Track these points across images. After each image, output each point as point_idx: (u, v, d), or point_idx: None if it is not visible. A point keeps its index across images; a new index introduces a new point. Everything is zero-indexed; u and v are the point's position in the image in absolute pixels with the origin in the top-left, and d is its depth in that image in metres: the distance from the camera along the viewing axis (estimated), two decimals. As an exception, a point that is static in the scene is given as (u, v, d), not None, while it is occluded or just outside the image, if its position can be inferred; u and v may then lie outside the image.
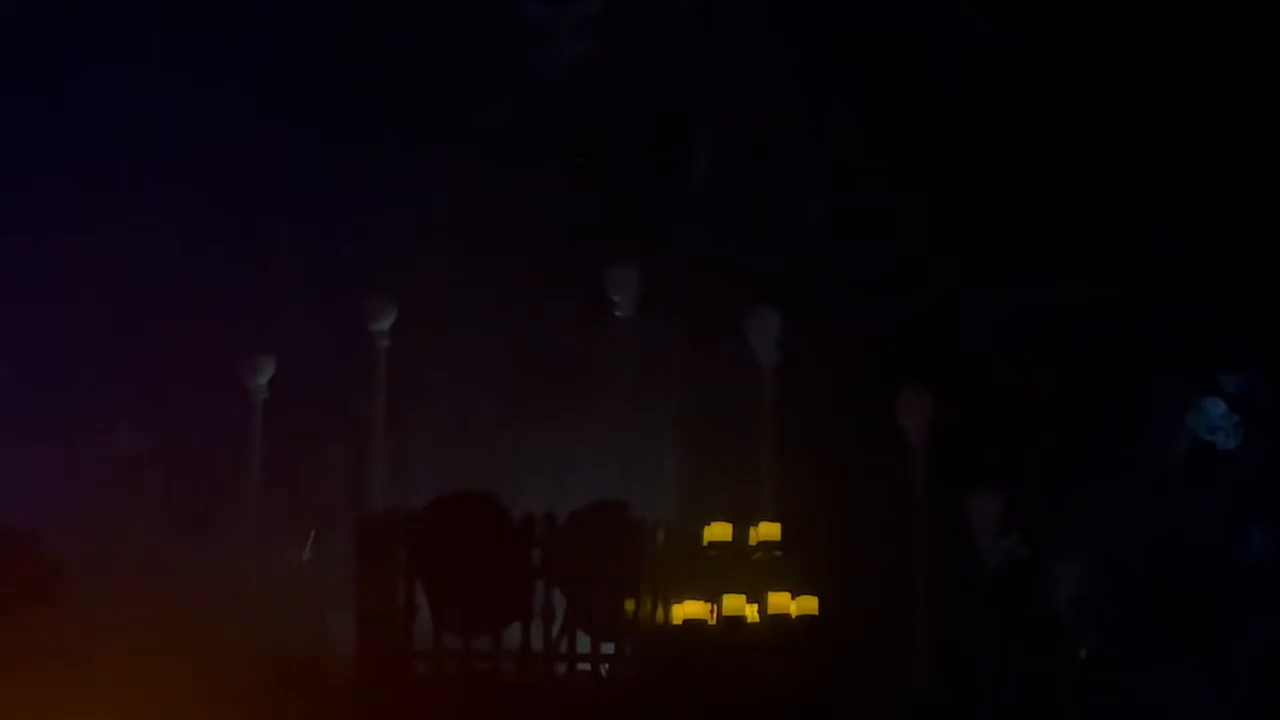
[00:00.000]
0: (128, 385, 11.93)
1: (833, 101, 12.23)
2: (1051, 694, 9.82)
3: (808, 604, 11.12)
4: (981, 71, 11.66)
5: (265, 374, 12.34)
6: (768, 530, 11.41)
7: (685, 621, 11.11)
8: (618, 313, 12.57)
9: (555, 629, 11.43)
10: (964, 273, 11.82)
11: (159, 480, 11.94)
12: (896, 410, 11.90)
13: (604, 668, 11.46)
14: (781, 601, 11.12)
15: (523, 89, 12.68)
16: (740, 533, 11.42)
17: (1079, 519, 10.05)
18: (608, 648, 11.53)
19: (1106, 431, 11.13)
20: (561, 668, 11.47)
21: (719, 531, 11.37)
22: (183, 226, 12.24)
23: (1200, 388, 7.57)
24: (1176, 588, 6.94)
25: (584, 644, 11.56)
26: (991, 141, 11.76)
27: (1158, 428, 10.73)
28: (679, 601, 11.21)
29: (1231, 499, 9.75)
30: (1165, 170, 11.11)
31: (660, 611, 11.37)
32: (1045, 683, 9.94)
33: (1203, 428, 7.06)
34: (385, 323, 12.53)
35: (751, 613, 11.16)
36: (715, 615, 11.15)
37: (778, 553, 11.35)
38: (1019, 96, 11.61)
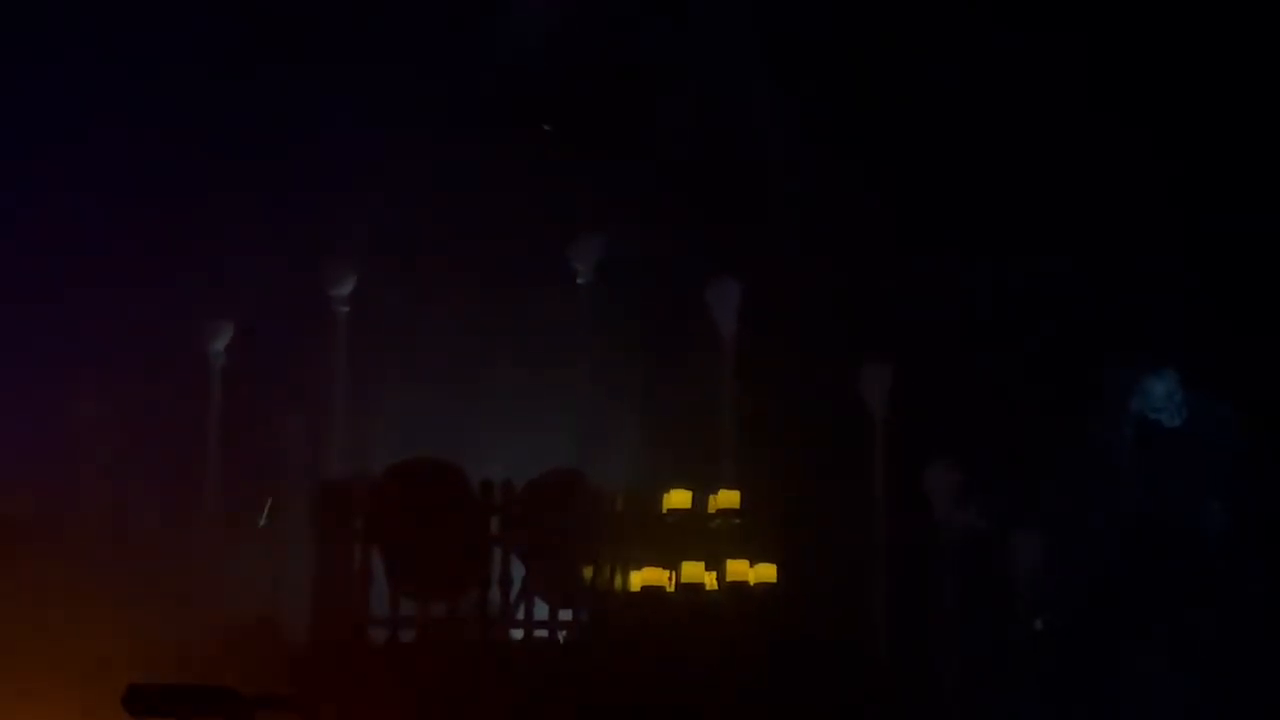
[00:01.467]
0: (85, 350, 11.83)
1: (799, 74, 12.19)
2: (1006, 663, 9.83)
3: (766, 571, 11.12)
4: (950, 48, 11.63)
5: (223, 339, 12.28)
6: (727, 498, 11.41)
7: (644, 588, 11.10)
8: (579, 280, 12.54)
9: (513, 595, 11.41)
10: (927, 247, 11.81)
11: (115, 446, 11.86)
12: (857, 381, 11.92)
13: (562, 634, 11.45)
14: (740, 569, 11.12)
15: (489, 57, 12.60)
16: (699, 500, 11.42)
17: (1037, 492, 10.06)
18: (566, 614, 11.52)
19: (1066, 406, 11.14)
20: (519, 634, 11.45)
21: (678, 499, 11.36)
22: (143, 190, 12.13)
23: (1144, 368, 7.57)
24: (1131, 559, 6.94)
25: (542, 610, 11.55)
26: (958, 118, 11.74)
27: (1114, 405, 10.76)
28: (638, 568, 11.20)
29: (1187, 473, 9.77)
30: (1131, 151, 11.11)
31: (619, 578, 11.36)
32: (1001, 652, 9.95)
33: (1147, 407, 7.05)
34: (345, 289, 12.47)
35: (710, 580, 11.16)
36: (674, 582, 11.14)
37: (737, 520, 11.35)
38: (986, 74, 11.59)
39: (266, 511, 11.59)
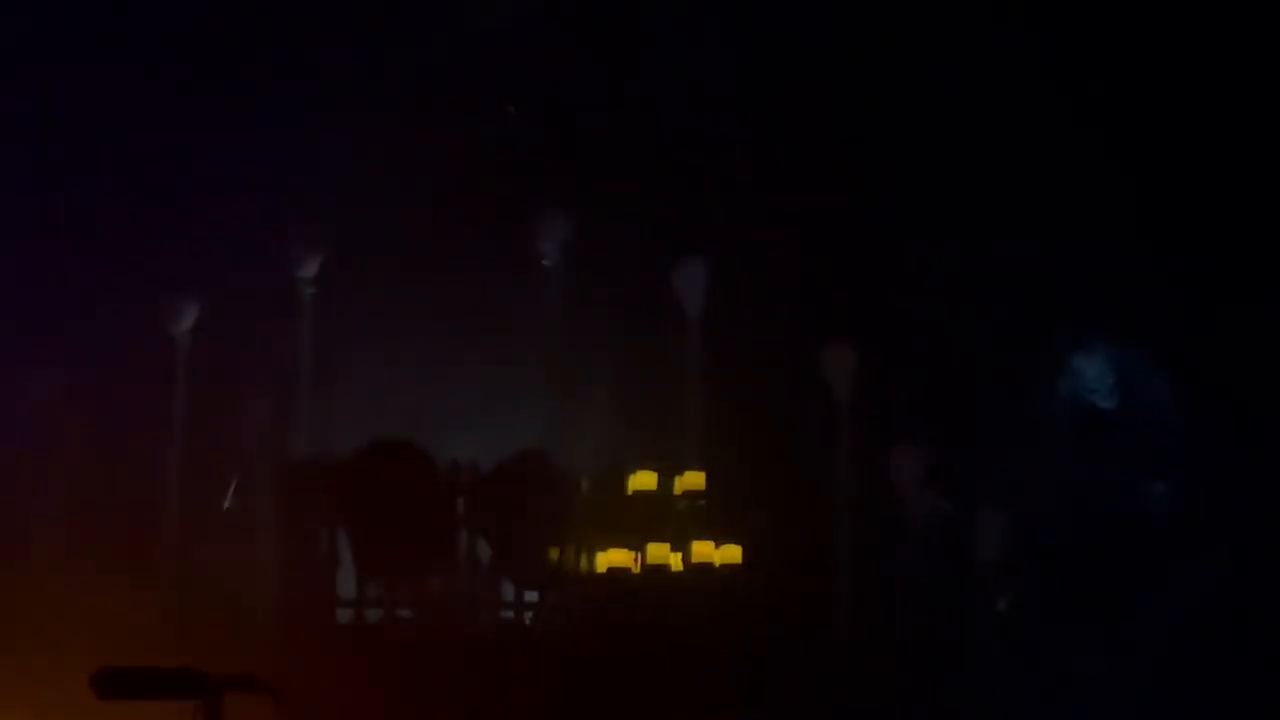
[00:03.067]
0: (48, 330, 11.78)
1: (767, 54, 12.20)
2: (969, 646, 9.90)
3: (731, 553, 11.16)
4: (919, 31, 11.64)
5: (188, 320, 12.25)
6: (692, 479, 11.45)
7: (610, 570, 11.14)
8: (545, 262, 12.54)
9: (479, 577, 11.43)
10: (892, 228, 11.83)
11: (79, 427, 11.82)
12: (822, 363, 11.95)
13: (528, 616, 11.48)
14: (705, 550, 11.16)
15: (452, 36, 12.57)
16: (665, 482, 11.46)
17: (1000, 474, 10.11)
18: (532, 596, 11.55)
19: (1031, 389, 11.20)
20: (485, 615, 11.48)
21: (644, 480, 11.40)
22: (106, 172, 12.07)
23: (1094, 350, 7.58)
24: (1087, 541, 6.97)
25: (508, 592, 11.58)
26: (923, 96, 11.75)
27: (1065, 385, 10.81)
28: (603, 550, 11.23)
29: (1137, 454, 9.80)
30: (1096, 131, 11.15)
31: (585, 560, 11.39)
32: (964, 634, 10.01)
33: (1081, 389, 7.05)
34: (310, 270, 12.45)
35: (675, 561, 11.20)
36: (639, 564, 11.19)
37: (702, 502, 11.40)
38: (955, 58, 11.62)
39: (231, 493, 11.57)
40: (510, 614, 11.50)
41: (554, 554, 11.43)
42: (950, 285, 11.74)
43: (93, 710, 6.08)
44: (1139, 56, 10.93)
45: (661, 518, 11.35)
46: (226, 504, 11.63)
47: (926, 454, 11.37)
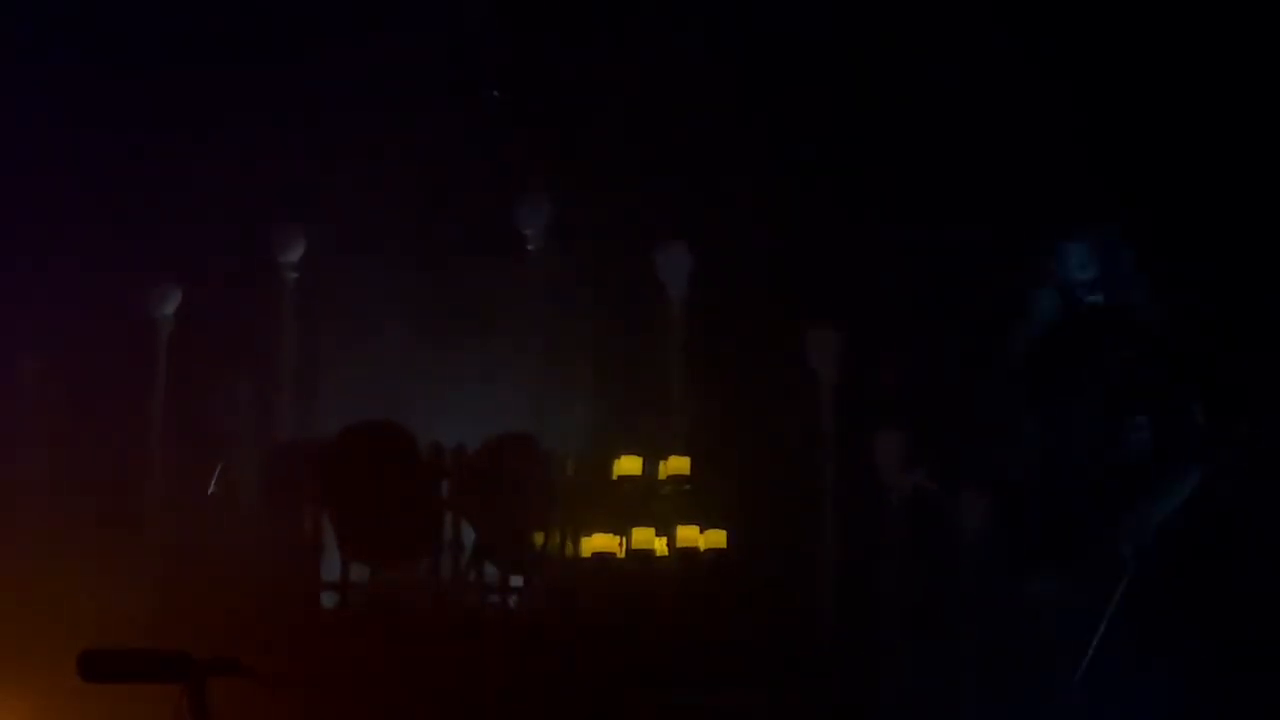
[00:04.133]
0: (30, 315, 11.75)
1: (750, 39, 12.19)
2: (955, 625, 9.89)
3: (716, 538, 11.16)
4: (902, 13, 11.62)
5: (171, 304, 12.23)
6: (677, 464, 11.45)
7: (594, 554, 11.13)
8: (529, 246, 12.53)
9: (464, 561, 11.42)
10: (875, 210, 11.83)
11: (61, 411, 11.79)
12: (806, 345, 11.96)
13: (512, 600, 11.48)
14: (690, 535, 11.16)
15: (435, 21, 12.55)
16: (650, 466, 11.45)
17: (982, 453, 10.09)
18: (516, 580, 11.55)
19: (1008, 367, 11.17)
20: (469, 599, 11.47)
21: (629, 465, 11.39)
22: (88, 155, 12.04)
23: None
24: (1062, 503, 6.90)
25: (492, 576, 11.57)
26: (902, 77, 11.73)
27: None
28: (588, 535, 11.23)
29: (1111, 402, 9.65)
30: (1070, 118, 11.14)
31: (569, 544, 11.39)
32: (943, 613, 10.01)
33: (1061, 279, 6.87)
34: (294, 254, 12.43)
35: (660, 546, 11.20)
36: (624, 548, 11.18)
37: (687, 487, 11.40)
38: (933, 44, 11.60)
39: (216, 478, 11.55)
40: (495, 597, 11.49)
41: (538, 538, 11.41)
42: (933, 268, 11.74)
43: (79, 693, 6.08)
44: (1107, 47, 10.93)
45: (646, 502, 11.35)
46: (211, 489, 11.61)
47: (912, 435, 11.36)
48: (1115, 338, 6.86)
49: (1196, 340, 6.86)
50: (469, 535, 11.49)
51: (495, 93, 12.87)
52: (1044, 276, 7.26)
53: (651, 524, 11.20)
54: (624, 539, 11.17)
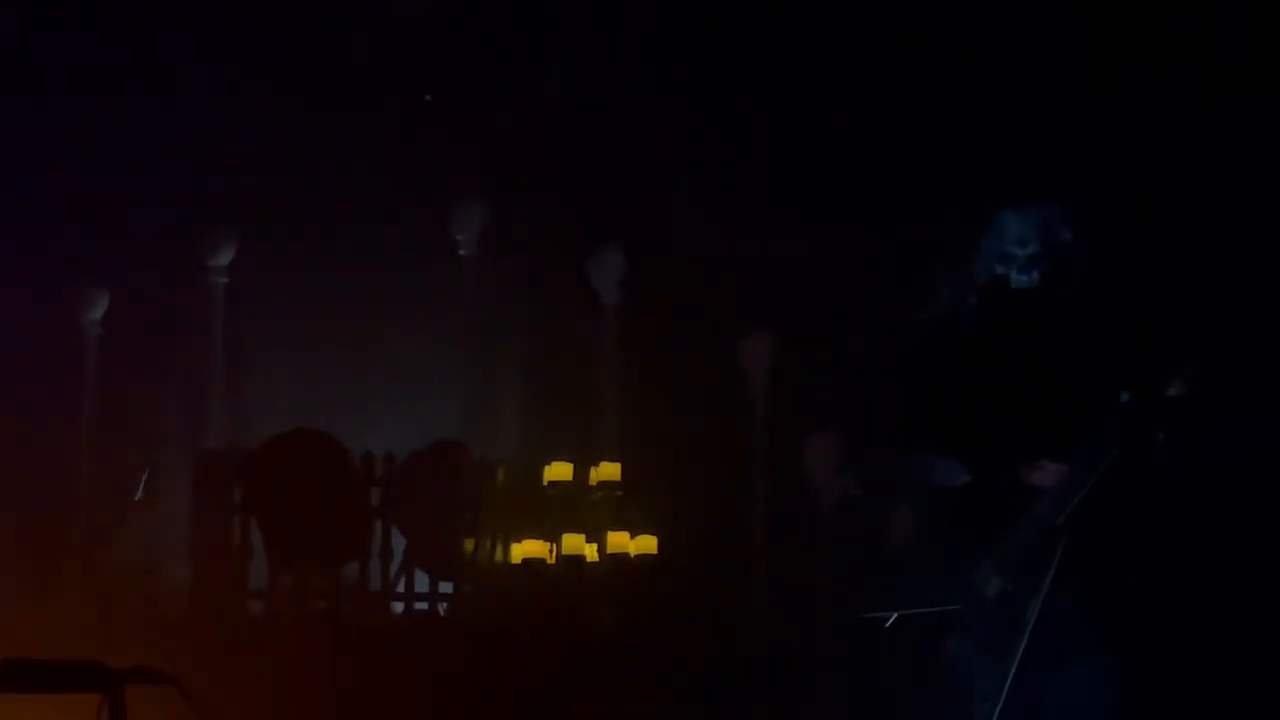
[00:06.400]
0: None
1: (683, 46, 12.18)
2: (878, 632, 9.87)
3: (646, 544, 11.16)
4: (838, 12, 11.61)
5: (99, 309, 12.13)
6: (608, 470, 11.43)
7: (524, 561, 11.11)
8: (461, 251, 12.49)
9: (394, 568, 11.38)
10: (810, 218, 11.83)
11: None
12: (738, 351, 11.97)
13: (442, 607, 11.45)
14: (621, 541, 11.15)
15: (367, 23, 12.49)
16: (580, 472, 11.43)
17: (908, 459, 10.07)
18: (446, 587, 11.52)
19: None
20: (399, 607, 11.44)
21: (559, 471, 11.37)
22: (11, 159, 11.91)
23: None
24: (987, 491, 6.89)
25: (423, 583, 11.53)
26: (843, 90, 11.73)
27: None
28: (518, 541, 11.20)
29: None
30: (1013, 119, 11.15)
31: (500, 551, 11.36)
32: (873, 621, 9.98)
33: (995, 253, 6.74)
34: (223, 259, 12.35)
35: (591, 552, 11.18)
36: (554, 554, 11.16)
37: (618, 493, 11.38)
38: (866, 51, 11.60)
39: (143, 483, 11.46)
40: (424, 604, 11.45)
41: (469, 545, 11.39)
42: (869, 272, 11.75)
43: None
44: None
45: (577, 508, 11.33)
46: (138, 495, 11.52)
47: (841, 441, 11.38)
48: (1045, 320, 6.78)
49: (1131, 321, 6.80)
50: (399, 542, 11.45)
51: (428, 96, 12.83)
52: (962, 256, 7.14)
53: (582, 530, 11.18)
54: (554, 545, 11.15)
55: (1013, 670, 6.42)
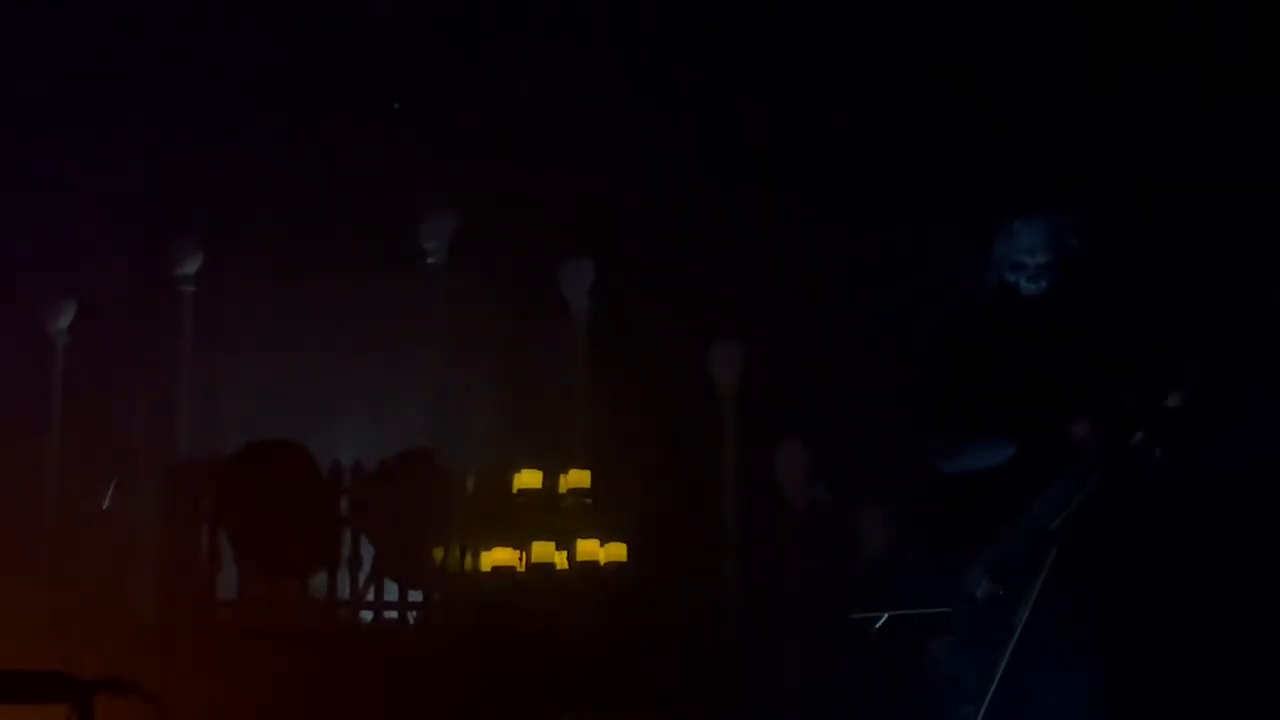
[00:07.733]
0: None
1: (654, 52, 12.18)
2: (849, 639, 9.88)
3: (616, 551, 11.16)
4: (812, 15, 11.60)
5: (66, 318, 12.07)
6: (578, 478, 11.43)
7: (494, 569, 11.10)
8: (430, 259, 12.45)
9: (363, 577, 11.36)
10: (778, 221, 11.83)
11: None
12: (708, 360, 11.96)
13: (412, 615, 11.42)
14: (590, 548, 11.15)
15: (334, 32, 12.47)
16: (550, 480, 11.42)
17: (878, 466, 10.10)
18: (416, 595, 11.50)
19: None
20: (368, 615, 11.42)
21: (529, 479, 11.37)
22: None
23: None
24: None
25: (392, 592, 11.51)
26: (817, 85, 11.70)
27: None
28: (488, 549, 11.19)
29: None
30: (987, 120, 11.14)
31: (469, 559, 11.35)
32: (845, 628, 9.99)
33: (1006, 260, 6.70)
34: (192, 267, 12.30)
35: (561, 559, 11.17)
36: (524, 562, 11.15)
37: (588, 500, 11.37)
38: (841, 53, 11.61)
39: (110, 493, 11.42)
40: (394, 613, 11.43)
41: (438, 553, 11.37)
42: (839, 279, 11.76)
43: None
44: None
45: (547, 516, 11.32)
46: (105, 504, 11.48)
47: (812, 448, 11.39)
48: (1054, 328, 6.79)
49: (1130, 325, 6.81)
50: (368, 551, 11.44)
51: (396, 105, 12.80)
52: (967, 262, 7.12)
53: (552, 537, 11.17)
54: (524, 553, 11.13)
55: (998, 674, 6.42)
